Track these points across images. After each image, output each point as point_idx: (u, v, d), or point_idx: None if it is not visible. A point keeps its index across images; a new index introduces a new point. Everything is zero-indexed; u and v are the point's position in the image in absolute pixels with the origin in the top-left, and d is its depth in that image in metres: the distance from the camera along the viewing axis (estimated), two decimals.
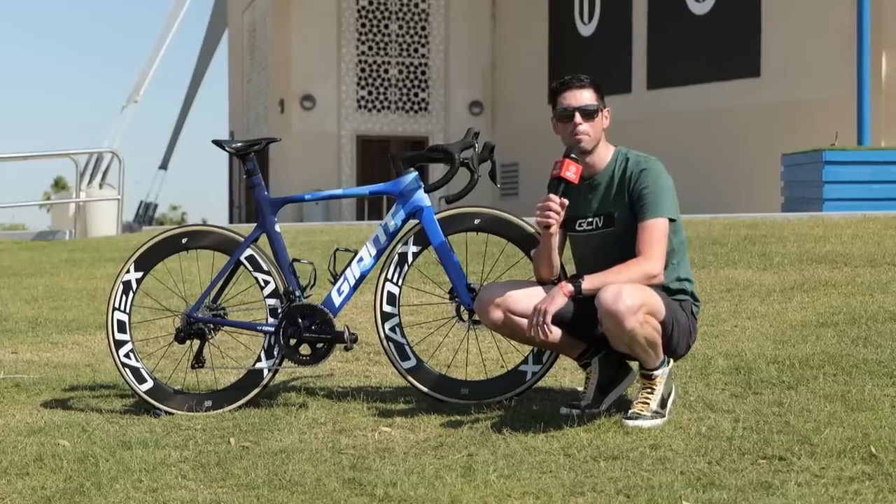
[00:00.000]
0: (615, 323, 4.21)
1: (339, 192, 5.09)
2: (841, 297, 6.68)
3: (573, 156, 4.44)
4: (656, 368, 4.36)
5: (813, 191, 13.31)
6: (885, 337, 5.59)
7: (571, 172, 4.39)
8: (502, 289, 4.52)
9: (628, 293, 4.20)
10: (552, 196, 4.39)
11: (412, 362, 4.92)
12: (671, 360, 4.44)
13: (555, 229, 4.46)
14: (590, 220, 4.51)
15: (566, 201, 4.41)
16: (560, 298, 4.28)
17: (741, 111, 18.29)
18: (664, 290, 4.43)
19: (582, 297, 4.32)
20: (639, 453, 3.95)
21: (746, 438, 4.03)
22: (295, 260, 5.00)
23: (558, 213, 4.40)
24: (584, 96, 4.49)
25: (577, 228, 4.55)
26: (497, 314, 4.49)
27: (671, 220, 4.40)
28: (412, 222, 4.93)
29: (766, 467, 3.74)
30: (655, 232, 4.36)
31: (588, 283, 4.29)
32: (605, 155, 4.53)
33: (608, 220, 4.48)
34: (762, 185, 16.90)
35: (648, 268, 4.32)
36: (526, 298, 4.47)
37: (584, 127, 4.47)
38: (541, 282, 4.59)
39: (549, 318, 4.27)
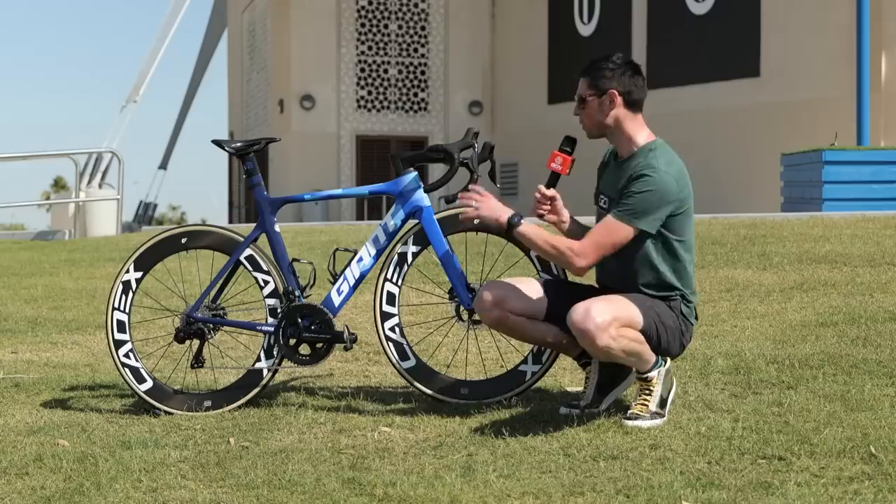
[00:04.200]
0: (587, 341, 4.21)
1: (338, 192, 5.08)
2: (840, 297, 6.68)
3: (566, 147, 4.51)
4: (650, 371, 4.35)
5: (812, 191, 13.31)
6: (885, 337, 5.59)
7: (557, 164, 4.51)
8: (501, 287, 4.52)
9: (598, 310, 4.19)
10: (540, 187, 4.51)
11: (412, 362, 4.92)
12: (667, 360, 4.43)
13: (551, 218, 4.54)
14: (604, 197, 4.51)
15: (553, 192, 4.51)
16: (494, 212, 4.42)
17: (741, 111, 18.30)
18: (654, 287, 4.41)
19: (579, 297, 4.34)
20: (638, 453, 3.95)
21: (746, 438, 4.03)
22: (294, 260, 5.00)
23: (546, 203, 4.49)
24: (579, 86, 4.52)
25: (598, 202, 4.56)
26: (496, 312, 4.50)
27: (645, 232, 4.33)
28: (412, 222, 4.93)
29: (766, 467, 3.74)
30: (606, 233, 4.32)
31: (526, 227, 4.37)
32: (633, 140, 4.45)
33: (614, 205, 4.48)
34: (762, 185, 16.91)
35: (575, 260, 4.32)
36: (525, 296, 4.49)
37: (580, 115, 4.52)
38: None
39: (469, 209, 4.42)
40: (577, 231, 4.55)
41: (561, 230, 4.58)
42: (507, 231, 4.42)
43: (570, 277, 4.78)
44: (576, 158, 4.57)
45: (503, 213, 4.42)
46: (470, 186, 4.55)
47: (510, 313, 4.48)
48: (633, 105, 4.47)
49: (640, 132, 4.47)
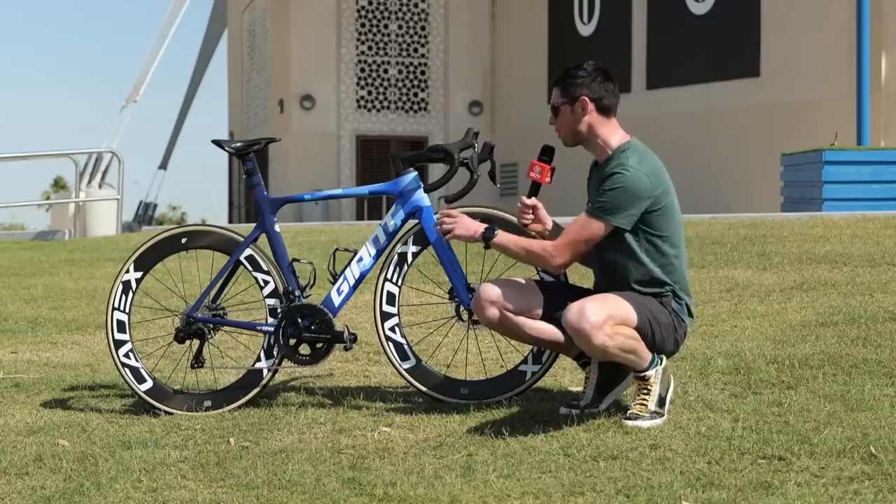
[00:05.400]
0: (583, 341, 4.24)
1: (338, 192, 5.08)
2: (840, 297, 6.68)
3: (544, 157, 4.58)
4: (647, 369, 4.36)
5: (812, 191, 13.31)
6: (885, 337, 5.59)
7: (536, 173, 4.59)
8: (499, 287, 4.53)
9: (592, 309, 4.23)
10: (522, 197, 4.61)
11: (412, 362, 4.92)
12: (663, 359, 4.43)
13: (536, 227, 4.64)
14: (588, 202, 4.54)
15: (534, 201, 4.61)
16: (469, 230, 4.56)
17: (741, 111, 18.30)
18: (645, 284, 4.42)
19: (576, 297, 4.38)
20: (638, 453, 3.95)
21: (746, 438, 4.03)
22: (294, 260, 5.00)
23: (528, 213, 4.61)
24: (552, 96, 4.58)
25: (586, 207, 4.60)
26: (493, 312, 4.50)
27: (619, 227, 4.37)
28: (412, 222, 4.94)
29: (766, 467, 3.74)
30: (580, 230, 4.39)
31: (501, 238, 4.49)
32: (608, 143, 4.49)
33: None
34: (762, 185, 16.91)
35: (551, 260, 4.44)
36: (523, 296, 4.50)
37: (555, 124, 4.57)
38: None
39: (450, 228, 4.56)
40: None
41: (545, 237, 4.65)
42: (485, 246, 4.55)
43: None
44: (555, 167, 4.60)
45: (477, 229, 4.55)
46: (441, 210, 4.69)
47: (508, 312, 4.49)
48: (606, 110, 4.51)
49: (613, 136, 4.51)
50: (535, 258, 4.47)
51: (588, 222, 4.38)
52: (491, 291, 4.51)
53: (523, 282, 4.60)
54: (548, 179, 4.60)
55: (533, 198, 4.63)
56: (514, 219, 4.85)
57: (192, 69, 32.73)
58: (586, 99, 4.48)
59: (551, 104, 4.56)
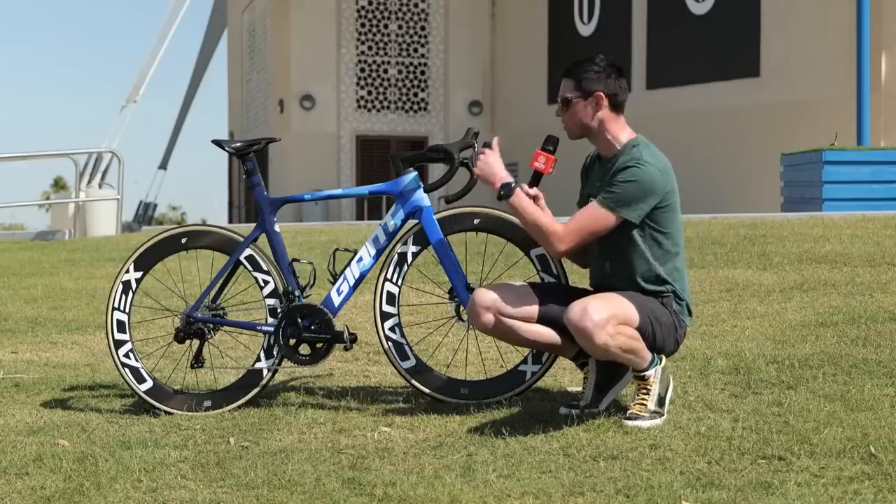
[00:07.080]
0: (585, 339, 4.23)
1: (338, 192, 5.08)
2: (840, 297, 6.68)
3: (548, 147, 4.54)
4: (647, 369, 4.36)
5: (812, 191, 13.31)
6: (885, 337, 5.59)
7: (540, 163, 4.55)
8: (493, 292, 4.50)
9: (595, 308, 4.21)
10: (523, 185, 4.53)
11: (412, 362, 4.92)
12: (663, 358, 4.43)
13: None
14: (591, 198, 4.52)
15: (536, 191, 4.55)
16: (489, 174, 4.50)
17: (741, 111, 18.30)
18: (649, 280, 4.41)
19: (573, 298, 4.37)
20: (638, 453, 3.95)
21: (746, 438, 4.03)
22: (294, 260, 5.00)
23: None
24: (562, 87, 4.54)
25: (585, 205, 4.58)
26: (489, 317, 4.47)
27: (628, 220, 4.36)
28: (412, 222, 4.93)
29: (766, 467, 3.74)
30: (589, 219, 4.37)
31: (517, 198, 4.43)
32: (617, 139, 4.48)
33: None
34: (762, 185, 16.91)
35: (556, 243, 4.40)
36: (517, 300, 4.48)
37: (563, 117, 4.54)
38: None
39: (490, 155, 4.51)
40: None
41: None
42: (498, 198, 4.51)
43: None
44: (558, 158, 4.59)
45: (497, 179, 4.49)
46: (486, 142, 4.61)
47: (503, 317, 4.47)
48: (618, 107, 4.50)
49: (622, 132, 4.50)
50: (540, 233, 4.43)
51: (599, 212, 4.36)
52: (485, 297, 4.49)
53: (517, 285, 4.58)
54: (550, 170, 4.58)
55: (534, 187, 4.60)
56: (512, 218, 4.85)
57: (192, 69, 32.80)
58: (601, 94, 4.45)
59: (561, 96, 4.52)
